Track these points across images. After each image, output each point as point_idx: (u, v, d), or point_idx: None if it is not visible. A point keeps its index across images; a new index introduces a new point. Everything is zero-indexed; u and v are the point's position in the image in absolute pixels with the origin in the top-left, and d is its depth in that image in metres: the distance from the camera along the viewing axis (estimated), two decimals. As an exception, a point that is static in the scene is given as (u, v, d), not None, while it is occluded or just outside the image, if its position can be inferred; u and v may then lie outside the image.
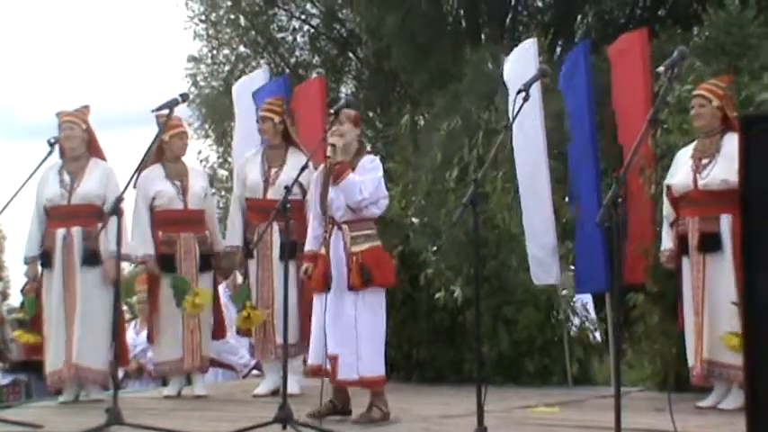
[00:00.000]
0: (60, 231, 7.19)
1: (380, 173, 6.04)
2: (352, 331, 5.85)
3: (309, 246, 6.16)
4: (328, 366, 5.89)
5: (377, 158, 6.13)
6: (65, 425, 6.21)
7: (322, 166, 6.19)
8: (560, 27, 20.48)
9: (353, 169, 5.93)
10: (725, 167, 6.24)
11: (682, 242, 6.54)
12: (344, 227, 5.95)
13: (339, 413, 6.04)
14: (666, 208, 6.72)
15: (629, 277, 7.15)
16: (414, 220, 9.14)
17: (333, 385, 6.03)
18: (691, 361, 6.51)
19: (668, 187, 6.67)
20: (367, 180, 5.91)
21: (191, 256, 7.39)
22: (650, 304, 7.45)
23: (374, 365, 5.93)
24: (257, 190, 7.39)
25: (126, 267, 7.86)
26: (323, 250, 5.99)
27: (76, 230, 7.18)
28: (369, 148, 6.52)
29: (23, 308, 10.27)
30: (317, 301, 6.03)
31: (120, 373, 9.03)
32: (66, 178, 7.28)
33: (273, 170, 7.36)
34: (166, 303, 7.39)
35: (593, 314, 9.07)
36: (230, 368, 9.66)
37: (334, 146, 5.93)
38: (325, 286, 5.91)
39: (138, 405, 6.97)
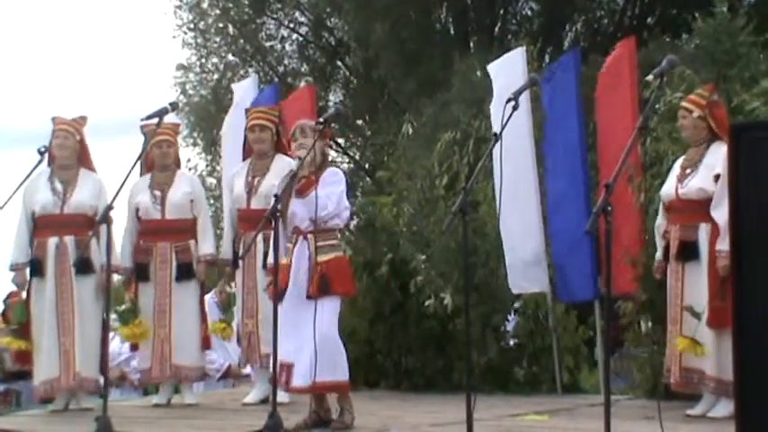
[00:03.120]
0: (53, 240, 7.16)
1: (343, 186, 6.09)
2: (310, 339, 5.80)
3: (273, 258, 6.01)
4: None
5: (339, 171, 6.23)
6: (54, 433, 6.21)
7: (282, 177, 6.18)
8: (549, 35, 20.50)
9: (317, 181, 5.96)
10: (703, 177, 6.33)
11: (667, 251, 6.59)
12: (309, 237, 5.98)
13: (323, 423, 6.02)
14: (659, 218, 6.76)
15: (614, 287, 7.15)
16: (404, 228, 9.13)
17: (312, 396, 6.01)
18: (666, 365, 6.57)
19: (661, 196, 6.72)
20: (331, 193, 5.96)
21: (166, 266, 7.37)
22: (639, 313, 7.46)
23: (332, 371, 5.87)
24: (241, 200, 7.39)
25: (115, 276, 7.82)
26: (284, 260, 5.96)
27: (69, 239, 7.16)
28: (358, 155, 6.50)
29: (5, 315, 10.25)
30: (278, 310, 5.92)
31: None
32: (59, 186, 7.24)
33: (256, 179, 7.34)
34: (143, 313, 7.38)
35: None
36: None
37: (300, 159, 5.91)
38: (281, 297, 5.87)
39: (127, 413, 6.93)
